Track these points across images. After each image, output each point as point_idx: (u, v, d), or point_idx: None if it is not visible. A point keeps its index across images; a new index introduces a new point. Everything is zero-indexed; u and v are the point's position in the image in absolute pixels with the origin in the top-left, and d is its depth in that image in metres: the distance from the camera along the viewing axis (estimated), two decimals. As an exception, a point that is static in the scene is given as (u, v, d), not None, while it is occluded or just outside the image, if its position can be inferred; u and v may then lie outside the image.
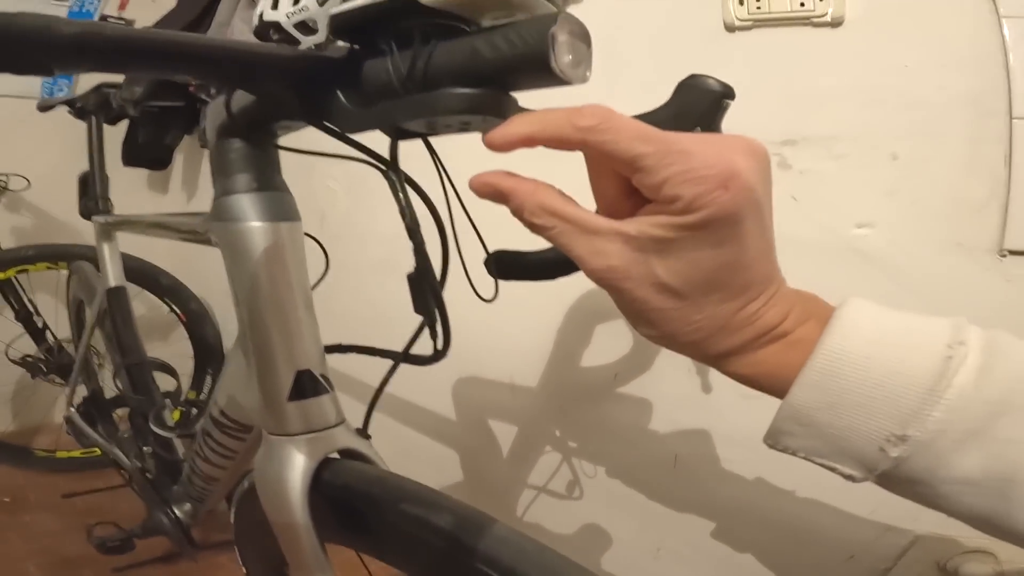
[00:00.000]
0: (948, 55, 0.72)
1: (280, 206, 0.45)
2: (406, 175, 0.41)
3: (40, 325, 1.68)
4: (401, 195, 0.39)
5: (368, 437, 0.51)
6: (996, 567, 0.72)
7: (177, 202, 2.01)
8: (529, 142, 0.28)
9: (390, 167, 0.40)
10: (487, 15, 0.32)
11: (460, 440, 1.26)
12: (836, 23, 0.80)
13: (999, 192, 0.69)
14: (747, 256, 0.27)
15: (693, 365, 0.92)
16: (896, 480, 0.27)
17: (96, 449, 1.52)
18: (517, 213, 0.29)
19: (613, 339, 0.99)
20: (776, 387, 0.30)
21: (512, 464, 1.17)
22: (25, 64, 0.27)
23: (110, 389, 1.36)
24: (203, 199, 1.93)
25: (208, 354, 1.75)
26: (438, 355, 0.44)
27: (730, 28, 0.87)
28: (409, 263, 0.43)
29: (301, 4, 1.38)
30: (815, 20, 0.81)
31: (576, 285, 0.83)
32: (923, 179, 0.73)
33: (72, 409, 1.24)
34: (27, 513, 1.46)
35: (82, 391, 1.31)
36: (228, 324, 1.82)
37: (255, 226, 0.43)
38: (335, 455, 0.49)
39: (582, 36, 0.29)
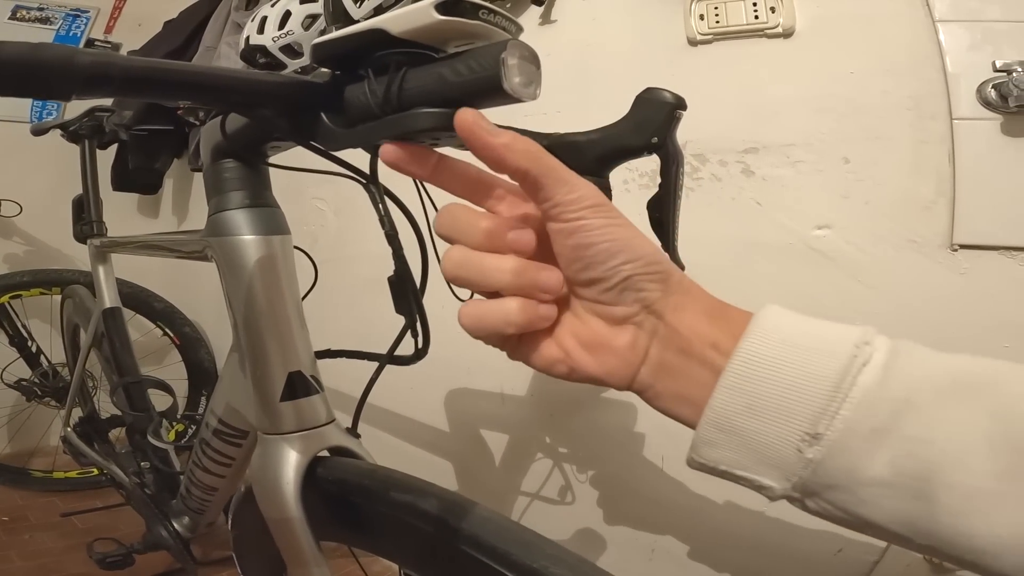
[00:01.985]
0: (890, 61, 0.77)
1: (272, 221, 0.48)
2: (385, 187, 0.44)
3: (34, 350, 1.69)
4: (380, 205, 0.43)
5: (358, 436, 0.54)
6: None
7: (168, 226, 2.03)
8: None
9: (370, 180, 0.43)
10: (451, 43, 0.36)
11: (454, 450, 1.28)
12: (788, 34, 0.85)
13: (945, 190, 0.73)
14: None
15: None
16: (815, 488, 0.27)
17: (93, 469, 1.54)
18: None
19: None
20: (695, 414, 0.30)
21: (505, 471, 1.19)
22: (49, 91, 0.31)
23: (104, 410, 1.38)
24: (194, 222, 1.95)
25: (203, 377, 1.77)
26: (419, 354, 0.47)
27: (692, 42, 0.92)
28: None
29: (287, 28, 1.44)
30: (768, 32, 0.86)
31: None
32: (874, 181, 0.78)
33: (69, 429, 1.25)
34: (26, 532, 1.47)
35: (77, 412, 1.33)
36: (222, 347, 1.83)
37: (249, 239, 0.47)
38: (326, 453, 0.52)
39: (531, 59, 0.33)
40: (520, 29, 0.37)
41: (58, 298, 1.59)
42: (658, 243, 0.53)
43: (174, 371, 1.74)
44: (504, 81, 0.31)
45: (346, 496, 0.48)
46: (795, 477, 0.27)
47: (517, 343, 0.33)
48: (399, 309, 0.46)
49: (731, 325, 0.30)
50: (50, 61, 0.30)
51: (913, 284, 0.76)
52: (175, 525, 0.96)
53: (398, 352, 0.52)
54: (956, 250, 0.74)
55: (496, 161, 0.30)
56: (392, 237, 0.43)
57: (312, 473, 0.49)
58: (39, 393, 1.70)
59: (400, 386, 0.87)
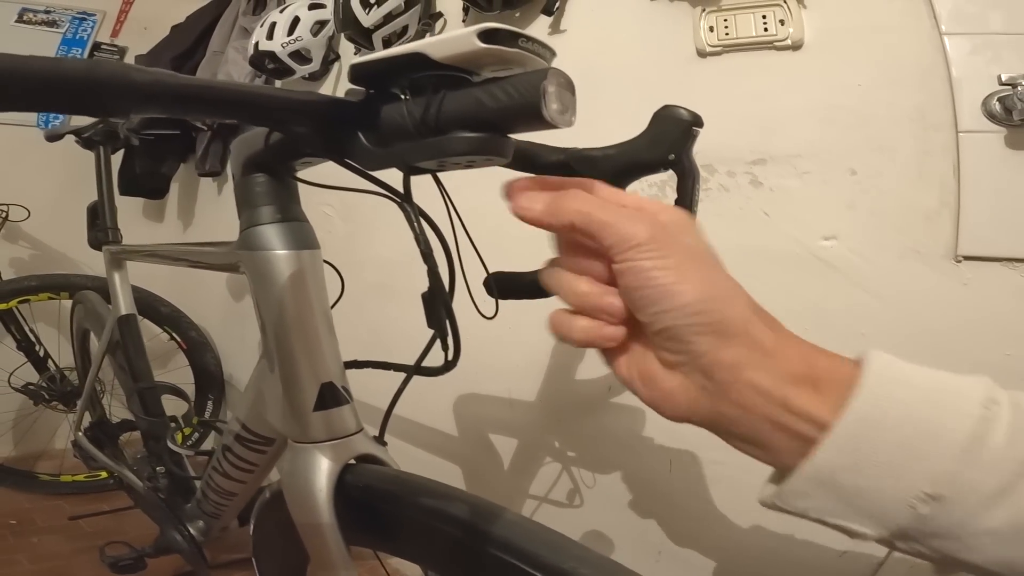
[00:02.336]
0: (896, 73, 0.79)
1: (302, 235, 0.50)
2: (419, 208, 0.46)
3: (42, 354, 1.70)
4: (416, 225, 0.44)
5: (384, 444, 0.55)
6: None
7: (173, 230, 2.04)
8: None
9: (405, 200, 0.45)
10: (487, 68, 0.37)
11: (462, 455, 1.29)
12: (796, 46, 0.86)
13: (950, 202, 0.75)
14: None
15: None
16: (917, 536, 0.27)
17: (101, 473, 1.55)
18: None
19: (605, 353, 1.04)
20: (771, 461, 0.30)
21: (513, 476, 1.20)
22: (104, 109, 0.31)
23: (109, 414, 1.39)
24: (199, 227, 1.96)
25: (209, 380, 1.79)
26: (449, 365, 0.49)
27: (702, 54, 0.94)
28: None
29: (296, 34, 1.46)
30: (777, 44, 0.88)
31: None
32: (879, 191, 0.79)
33: (80, 434, 1.26)
34: (34, 535, 1.48)
35: (85, 416, 1.34)
36: (228, 351, 1.85)
37: (281, 254, 0.48)
38: (353, 461, 0.53)
39: (568, 86, 0.35)
40: (554, 54, 0.38)
41: (66, 302, 1.60)
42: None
43: (179, 375, 1.75)
44: (544, 109, 0.32)
45: (374, 502, 0.49)
46: (896, 527, 0.27)
47: (604, 353, 0.34)
48: (431, 323, 0.48)
49: (820, 389, 0.28)
50: (107, 79, 0.31)
51: (917, 294, 0.77)
52: (190, 529, 0.97)
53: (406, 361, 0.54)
54: (959, 261, 0.75)
55: (547, 228, 0.33)
56: (428, 255, 0.45)
57: (342, 480, 0.50)
58: (46, 397, 1.71)
59: (408, 391, 0.88)
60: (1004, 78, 0.74)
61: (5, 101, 0.28)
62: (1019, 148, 0.74)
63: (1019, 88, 0.73)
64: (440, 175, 0.43)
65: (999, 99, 0.74)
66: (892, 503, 0.26)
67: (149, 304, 1.70)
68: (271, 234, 0.48)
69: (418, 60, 0.36)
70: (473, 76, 0.38)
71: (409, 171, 0.42)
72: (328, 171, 0.50)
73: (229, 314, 1.83)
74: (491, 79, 0.36)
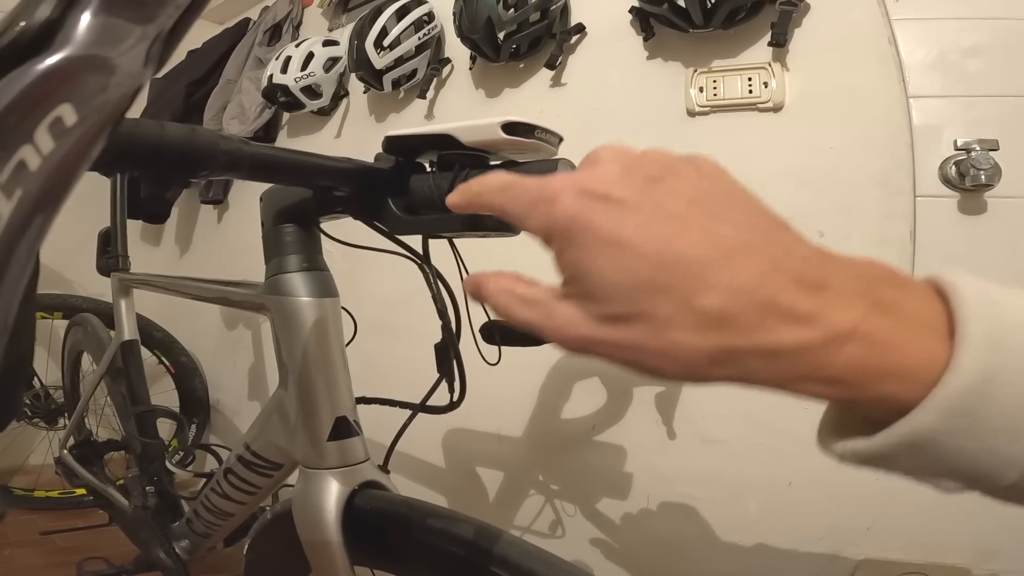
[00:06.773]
0: (865, 136, 0.84)
1: (324, 284, 0.55)
2: (436, 269, 0.51)
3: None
4: (434, 286, 0.50)
5: (388, 472, 0.60)
6: (930, 587, 0.80)
7: (169, 256, 2.05)
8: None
9: (425, 262, 0.50)
10: (505, 152, 0.44)
11: (449, 485, 1.32)
12: (777, 108, 0.93)
13: (905, 265, 0.81)
14: (634, 254, 0.23)
15: (659, 415, 1.02)
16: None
17: (76, 489, 1.54)
18: (483, 300, 0.29)
19: (591, 394, 1.10)
20: (854, 399, 0.23)
21: (498, 506, 1.23)
22: (194, 172, 0.36)
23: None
24: (196, 254, 1.98)
25: (195, 405, 1.80)
26: (454, 406, 0.54)
27: (691, 113, 1.00)
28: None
29: (309, 70, 1.54)
30: (760, 106, 0.95)
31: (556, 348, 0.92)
32: (844, 254, 0.86)
33: (65, 451, 1.27)
34: (6, 548, 1.47)
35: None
36: (216, 378, 1.86)
37: (305, 301, 0.53)
38: (356, 487, 0.57)
39: (574, 172, 0.41)
40: (561, 140, 0.45)
41: (57, 322, 1.61)
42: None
43: (165, 399, 1.75)
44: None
45: (381, 524, 0.54)
46: (1003, 483, 0.23)
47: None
48: (441, 370, 0.53)
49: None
50: (202, 146, 0.36)
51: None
52: (176, 548, 0.99)
53: (405, 399, 0.60)
54: (910, 323, 0.81)
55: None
56: (443, 314, 0.50)
57: (350, 503, 0.55)
58: (29, 414, 1.70)
59: (398, 422, 0.91)
60: (959, 143, 0.78)
61: (125, 164, 0.33)
62: (970, 213, 0.79)
63: (972, 154, 0.76)
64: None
65: (955, 163, 0.78)
66: (1003, 465, 0.22)
67: (143, 329, 1.70)
68: (297, 282, 0.54)
69: (446, 140, 0.42)
70: (491, 157, 0.44)
71: (428, 235, 0.48)
72: (342, 220, 0.55)
73: (222, 342, 1.85)
74: (509, 162, 0.42)
